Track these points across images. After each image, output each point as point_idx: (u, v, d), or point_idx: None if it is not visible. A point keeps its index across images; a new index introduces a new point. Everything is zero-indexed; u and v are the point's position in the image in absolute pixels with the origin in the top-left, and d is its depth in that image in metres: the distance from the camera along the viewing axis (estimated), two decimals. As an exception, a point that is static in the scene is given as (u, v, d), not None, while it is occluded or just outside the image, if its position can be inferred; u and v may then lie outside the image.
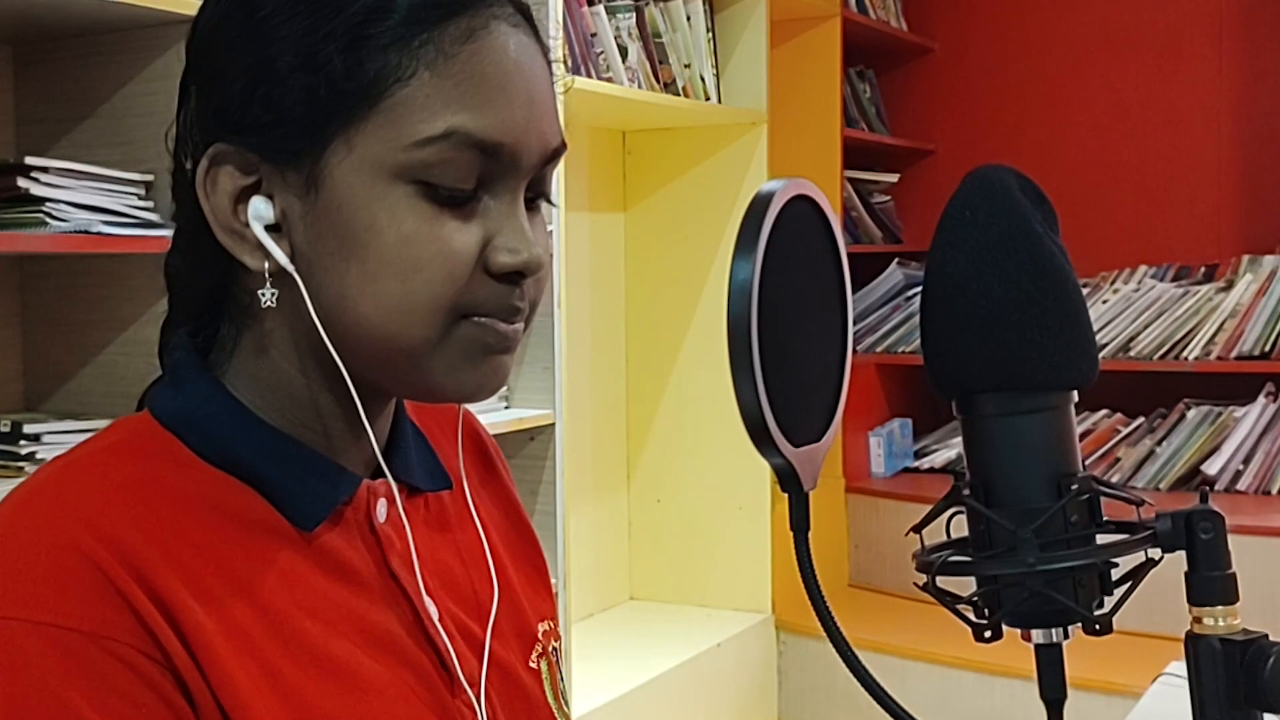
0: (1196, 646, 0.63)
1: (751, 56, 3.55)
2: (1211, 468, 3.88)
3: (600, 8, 3.04)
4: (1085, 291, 4.25)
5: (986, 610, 0.64)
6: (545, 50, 0.80)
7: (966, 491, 0.65)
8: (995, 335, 0.63)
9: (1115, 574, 0.66)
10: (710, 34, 3.47)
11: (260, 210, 0.76)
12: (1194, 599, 0.64)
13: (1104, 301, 4.23)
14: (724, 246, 3.47)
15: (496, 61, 0.75)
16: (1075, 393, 0.65)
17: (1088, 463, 4.08)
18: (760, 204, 0.63)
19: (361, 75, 0.73)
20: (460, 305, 0.75)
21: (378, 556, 0.81)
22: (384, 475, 0.83)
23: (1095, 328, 4.14)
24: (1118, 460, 4.05)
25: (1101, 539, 0.64)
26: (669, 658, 3.25)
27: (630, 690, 3.05)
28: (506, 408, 2.68)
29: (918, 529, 0.66)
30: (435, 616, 0.82)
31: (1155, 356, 4.03)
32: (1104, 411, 4.21)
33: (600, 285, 3.59)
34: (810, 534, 0.65)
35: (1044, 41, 4.56)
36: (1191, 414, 4.03)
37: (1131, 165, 4.42)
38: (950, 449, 4.23)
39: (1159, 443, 4.02)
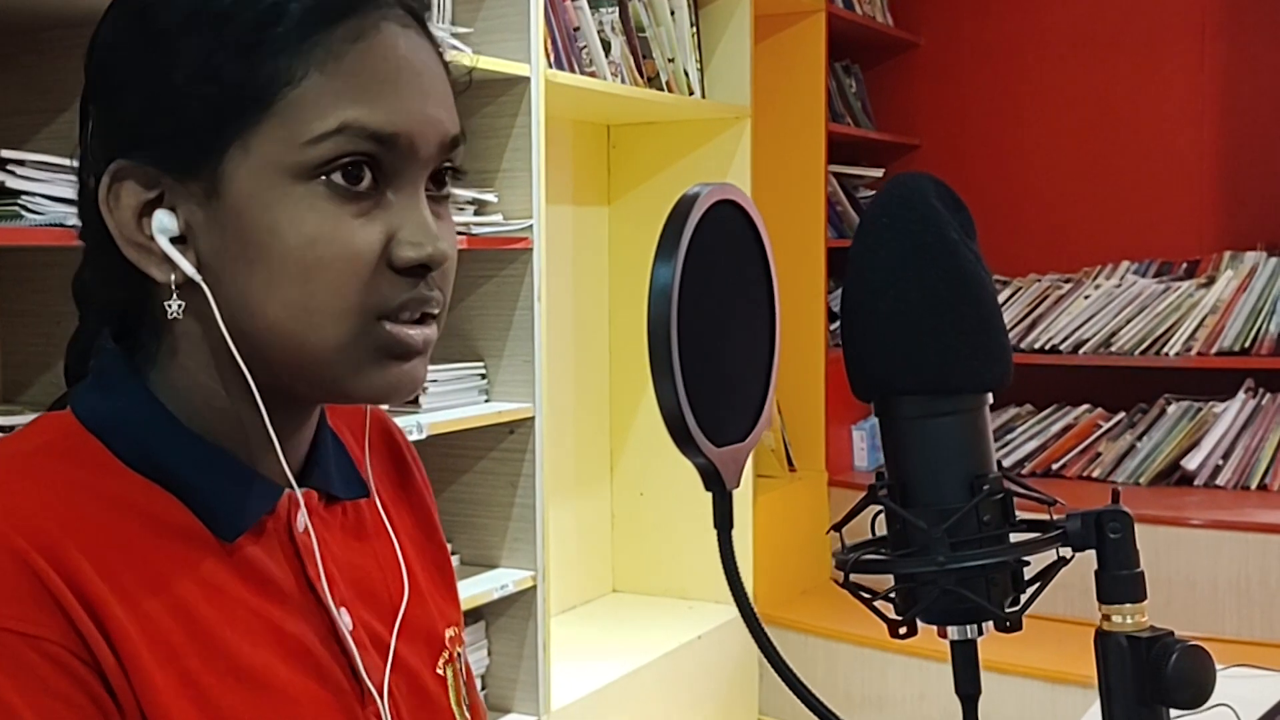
0: (1105, 644, 0.65)
1: (735, 51, 3.56)
2: (1191, 463, 3.90)
3: (583, 2, 3.05)
4: (1067, 287, 4.29)
5: (903, 607, 0.66)
6: (438, 48, 0.81)
7: (884, 492, 0.66)
8: (911, 340, 0.65)
9: (1031, 573, 0.67)
10: (694, 28, 3.48)
11: (164, 223, 0.76)
12: (1103, 597, 0.65)
13: (1085, 297, 4.25)
14: (707, 240, 3.48)
15: (385, 58, 0.76)
16: (990, 395, 0.66)
17: (1069, 457, 4.10)
18: (682, 208, 0.65)
19: (253, 81, 0.74)
20: (369, 306, 0.76)
21: (296, 567, 0.82)
22: (305, 483, 0.84)
23: (1078, 323, 4.17)
24: (1098, 455, 4.07)
25: (1016, 538, 0.66)
26: (651, 650, 3.27)
27: (612, 682, 3.06)
28: (486, 400, 2.70)
29: (837, 527, 0.68)
30: (349, 627, 0.82)
31: (1136, 352, 4.06)
32: (1085, 406, 4.24)
33: (584, 278, 3.60)
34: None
35: (1029, 38, 4.57)
36: (1172, 409, 4.05)
37: (1114, 161, 4.44)
38: (933, 443, 4.25)
39: (1139, 438, 4.05)
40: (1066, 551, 0.66)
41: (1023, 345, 4.26)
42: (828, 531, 0.70)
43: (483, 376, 2.69)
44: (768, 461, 3.94)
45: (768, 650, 0.66)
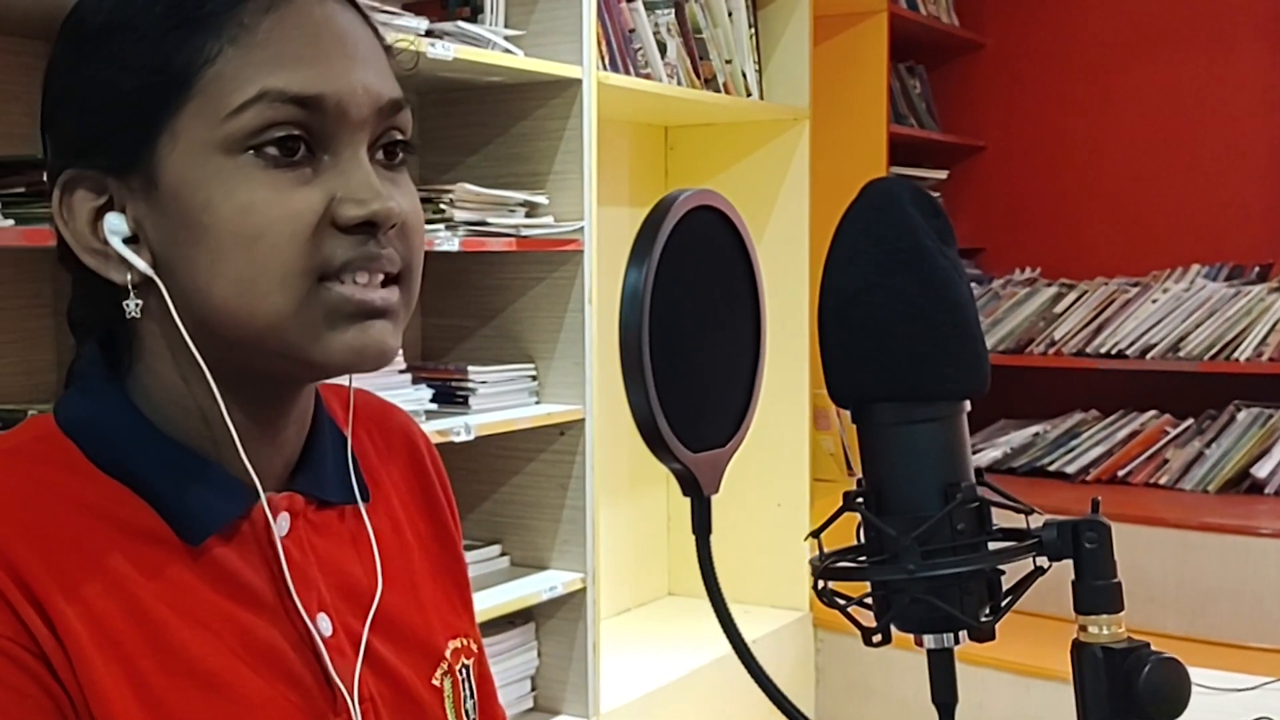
0: (1080, 655, 0.64)
1: (794, 52, 3.54)
2: (1261, 471, 3.82)
3: (639, 3, 3.05)
4: (1134, 290, 4.22)
5: (876, 614, 0.66)
6: (366, 17, 0.81)
7: (860, 499, 0.66)
8: (886, 347, 0.64)
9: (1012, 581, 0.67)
10: (752, 30, 3.47)
11: (115, 224, 0.78)
12: (1080, 607, 0.64)
13: (1154, 301, 4.18)
14: (766, 241, 3.47)
15: (302, 26, 0.77)
16: (967, 403, 0.66)
17: (1135, 464, 4.03)
18: (658, 213, 0.65)
19: (170, 66, 0.75)
20: (315, 267, 0.76)
21: (274, 570, 0.82)
22: (293, 485, 0.84)
23: (1146, 327, 4.09)
24: (1165, 462, 4.00)
25: (995, 547, 0.65)
26: (704, 654, 3.26)
27: (663, 685, 3.06)
28: (537, 402, 2.71)
29: (815, 534, 0.67)
30: (328, 633, 0.82)
31: (1206, 357, 3.98)
32: (1152, 412, 4.16)
33: (641, 281, 3.60)
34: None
35: (1096, 37, 4.50)
36: (1242, 415, 3.97)
37: (1184, 162, 4.36)
38: (996, 448, 4.20)
39: (1208, 445, 3.97)
40: (1043, 561, 0.65)
41: (1088, 350, 4.19)
42: (805, 538, 0.69)
43: (533, 378, 2.71)
44: (826, 465, 3.92)
45: (742, 653, 0.65)
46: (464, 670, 0.92)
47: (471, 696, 0.93)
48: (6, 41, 2.01)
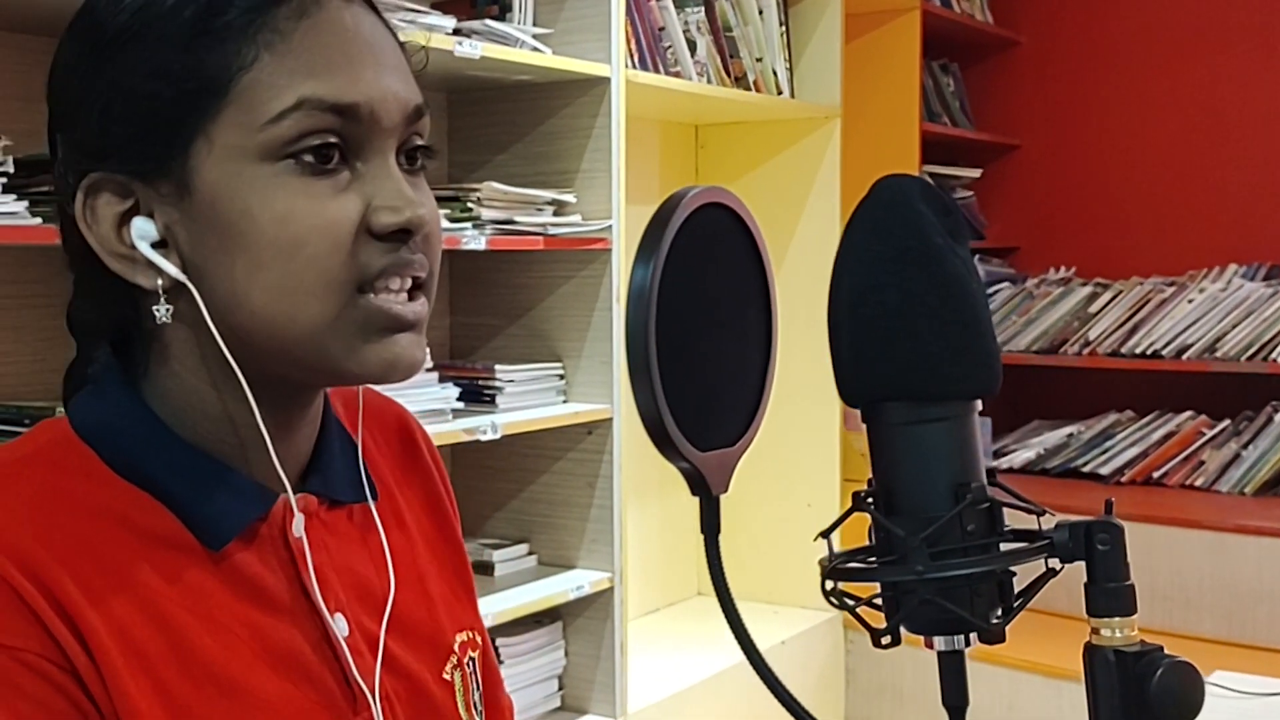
0: (1093, 658, 0.63)
1: (826, 50, 3.52)
2: (1299, 472, 3.77)
3: (668, 1, 3.05)
4: (1170, 290, 4.18)
5: (886, 615, 0.65)
6: (387, 23, 0.82)
7: (869, 499, 0.65)
8: (895, 346, 0.63)
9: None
10: (783, 27, 3.45)
11: (143, 229, 0.77)
12: (1092, 610, 0.63)
13: (1189, 301, 4.13)
14: (797, 240, 3.46)
15: (334, 32, 0.76)
16: (978, 402, 0.65)
17: (1171, 465, 3.99)
18: (665, 211, 0.64)
19: (204, 71, 0.75)
20: (353, 276, 0.76)
21: (291, 572, 0.82)
22: (306, 486, 0.84)
23: (1182, 327, 4.04)
24: (1202, 464, 3.96)
25: (1006, 548, 0.64)
26: (733, 654, 3.22)
27: (692, 685, 3.05)
28: (564, 401, 2.71)
29: (825, 534, 0.67)
30: (344, 633, 0.82)
31: (1243, 358, 3.94)
32: (1188, 413, 4.12)
33: (671, 280, 3.59)
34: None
35: (1133, 35, 4.46)
36: (1279, 417, 3.92)
37: (1221, 161, 4.31)
38: (1029, 449, 4.17)
39: (1245, 446, 3.92)
40: (1055, 563, 0.64)
41: (1123, 350, 4.15)
42: (815, 538, 0.69)
43: (561, 377, 2.70)
44: (857, 466, 3.90)
45: (748, 650, 0.65)
46: (471, 663, 0.93)
47: (478, 688, 0.93)
48: (34, 40, 2.03)
